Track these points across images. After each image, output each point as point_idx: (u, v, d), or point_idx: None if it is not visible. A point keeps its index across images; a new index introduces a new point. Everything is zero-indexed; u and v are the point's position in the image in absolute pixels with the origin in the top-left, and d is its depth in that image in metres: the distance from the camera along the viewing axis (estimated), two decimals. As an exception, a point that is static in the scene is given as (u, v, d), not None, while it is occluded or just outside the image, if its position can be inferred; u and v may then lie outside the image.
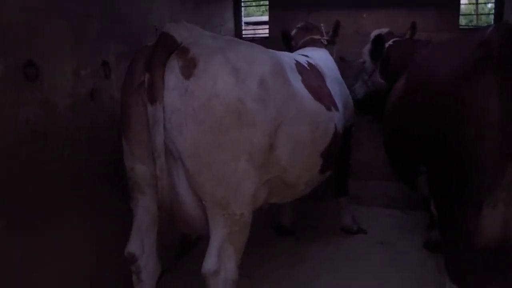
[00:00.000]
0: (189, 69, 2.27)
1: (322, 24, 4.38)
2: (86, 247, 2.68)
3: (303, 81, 2.97)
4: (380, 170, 4.82)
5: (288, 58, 3.06)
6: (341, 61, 4.87)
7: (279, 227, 4.39)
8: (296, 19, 4.85)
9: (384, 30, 4.23)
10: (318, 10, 4.96)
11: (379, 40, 3.94)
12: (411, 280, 3.38)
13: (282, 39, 4.35)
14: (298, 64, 3.08)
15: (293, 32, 4.42)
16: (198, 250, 2.53)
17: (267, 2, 5.33)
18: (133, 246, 2.56)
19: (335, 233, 4.32)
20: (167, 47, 2.31)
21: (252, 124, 2.39)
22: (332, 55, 4.23)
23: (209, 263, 2.40)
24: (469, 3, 4.74)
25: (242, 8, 5.41)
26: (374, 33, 4.12)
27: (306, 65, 3.20)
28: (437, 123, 2.49)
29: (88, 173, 2.67)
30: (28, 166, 2.26)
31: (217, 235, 2.44)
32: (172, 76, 2.26)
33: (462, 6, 4.72)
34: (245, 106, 2.35)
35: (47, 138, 2.37)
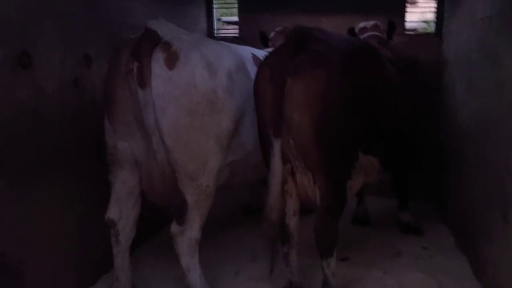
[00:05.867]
0: (172, 61, 2.72)
1: None
2: (70, 210, 3.08)
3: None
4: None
5: (246, 52, 3.50)
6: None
7: (247, 209, 4.97)
8: (263, 20, 5.33)
9: None
10: (281, 13, 5.40)
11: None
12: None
13: (260, 39, 4.77)
14: (254, 57, 3.53)
15: (272, 34, 4.82)
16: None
17: (236, 4, 5.79)
18: (112, 213, 2.99)
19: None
20: (152, 40, 2.75)
21: (221, 111, 2.88)
22: None
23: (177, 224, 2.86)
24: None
25: (215, 10, 5.84)
26: None
27: (262, 59, 3.63)
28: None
29: (73, 147, 3.07)
30: (23, 138, 2.66)
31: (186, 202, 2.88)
32: (158, 66, 2.70)
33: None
34: (216, 95, 2.84)
35: (38, 116, 2.77)
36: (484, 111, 3.18)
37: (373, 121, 2.95)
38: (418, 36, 5.25)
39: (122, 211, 3.00)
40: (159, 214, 3.33)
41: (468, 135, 3.61)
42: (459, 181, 3.89)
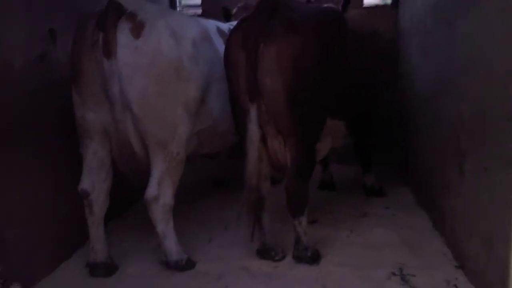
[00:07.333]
0: (138, 31, 2.78)
1: None
2: (42, 185, 3.10)
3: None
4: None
5: (211, 24, 3.58)
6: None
7: (215, 180, 5.13)
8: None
9: None
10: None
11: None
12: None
13: (222, 14, 4.83)
14: (219, 29, 3.61)
15: (234, 10, 4.90)
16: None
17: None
18: (85, 184, 3.02)
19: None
20: (117, 11, 2.79)
21: (187, 79, 2.96)
22: None
23: (151, 190, 2.94)
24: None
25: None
26: None
27: (226, 31, 3.70)
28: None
29: (42, 121, 3.08)
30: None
31: (158, 169, 2.97)
32: (123, 36, 2.75)
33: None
34: (182, 63, 2.91)
35: (8, 90, 2.77)
36: (439, 72, 3.37)
37: (339, 85, 3.10)
38: (376, 8, 5.41)
39: (95, 182, 3.03)
40: (130, 188, 3.37)
41: (425, 98, 3.82)
42: (418, 143, 4.12)
